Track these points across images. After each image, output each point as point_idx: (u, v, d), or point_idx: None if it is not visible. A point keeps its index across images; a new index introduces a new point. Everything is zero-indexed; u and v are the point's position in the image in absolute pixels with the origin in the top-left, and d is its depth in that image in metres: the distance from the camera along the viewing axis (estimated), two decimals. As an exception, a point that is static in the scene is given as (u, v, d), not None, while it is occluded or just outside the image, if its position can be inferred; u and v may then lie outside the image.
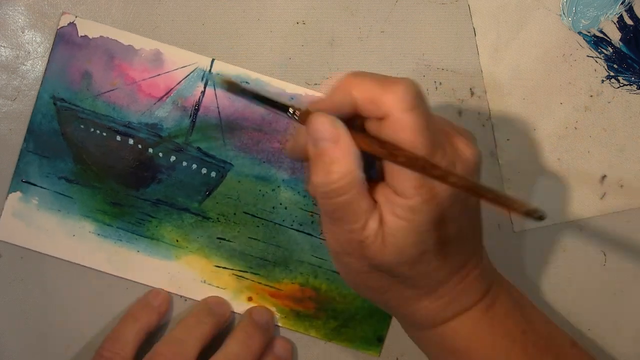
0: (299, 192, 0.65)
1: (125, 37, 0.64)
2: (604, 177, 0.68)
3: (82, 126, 0.64)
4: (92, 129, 0.64)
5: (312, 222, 0.66)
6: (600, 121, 0.68)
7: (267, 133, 0.65)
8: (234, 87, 0.57)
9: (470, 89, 0.67)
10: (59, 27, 0.64)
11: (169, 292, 0.66)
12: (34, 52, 0.65)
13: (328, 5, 0.67)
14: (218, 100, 0.65)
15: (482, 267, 0.57)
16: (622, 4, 0.67)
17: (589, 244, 0.69)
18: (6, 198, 0.64)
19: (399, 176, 0.50)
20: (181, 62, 0.64)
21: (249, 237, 0.66)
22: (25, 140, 0.64)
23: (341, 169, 0.50)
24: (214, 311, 0.65)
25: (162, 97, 0.64)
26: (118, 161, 0.64)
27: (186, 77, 0.64)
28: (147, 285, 0.66)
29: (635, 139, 0.68)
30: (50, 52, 0.64)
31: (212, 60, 0.64)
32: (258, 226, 0.65)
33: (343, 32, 0.67)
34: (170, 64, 0.64)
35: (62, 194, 0.64)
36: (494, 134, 0.67)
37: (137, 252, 0.65)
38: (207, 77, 0.65)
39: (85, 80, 0.64)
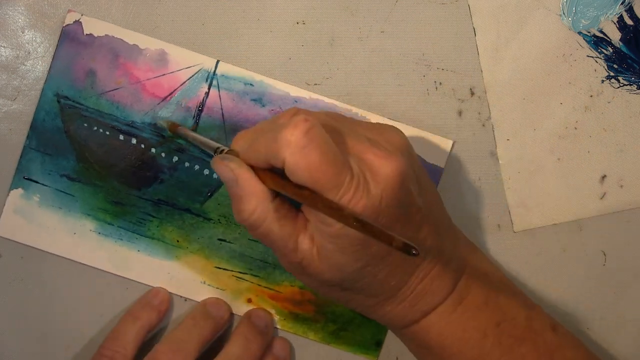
0: (300, 195, 0.73)
1: (130, 37, 0.70)
2: (604, 177, 0.73)
3: (85, 124, 0.70)
4: (95, 128, 0.70)
5: (313, 224, 0.73)
6: (600, 121, 0.72)
7: None
8: (174, 130, 0.68)
9: (470, 89, 0.72)
10: (64, 25, 0.69)
11: (168, 292, 0.72)
12: (34, 52, 0.70)
13: (328, 5, 0.71)
14: (222, 102, 0.70)
15: (442, 263, 0.63)
16: (622, 4, 0.72)
17: (589, 244, 0.74)
18: (8, 195, 0.70)
19: (314, 211, 0.57)
20: (186, 62, 0.70)
21: (249, 239, 0.71)
22: (28, 137, 0.70)
23: (248, 207, 0.59)
24: (213, 313, 0.70)
25: (166, 97, 0.70)
26: (120, 160, 0.70)
27: (190, 77, 0.70)
28: (147, 285, 0.71)
29: (635, 139, 0.73)
30: (55, 50, 0.69)
31: (217, 62, 0.70)
32: (259, 228, 0.73)
33: (343, 32, 0.71)
34: (174, 64, 0.70)
35: (63, 192, 0.70)
36: (494, 134, 0.72)
37: (137, 252, 0.71)
38: (211, 78, 0.70)
39: (90, 79, 0.70)
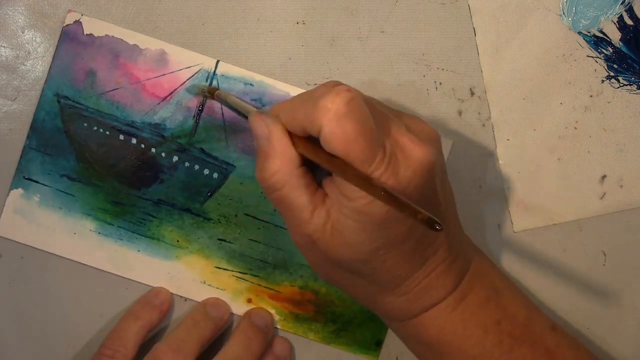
0: (300, 195, 0.73)
1: (130, 37, 0.70)
2: (604, 177, 0.73)
3: (85, 124, 0.70)
4: (95, 128, 0.70)
5: (313, 225, 0.74)
6: (600, 121, 0.73)
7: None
8: (213, 94, 0.68)
9: (470, 89, 0.72)
10: (64, 25, 0.70)
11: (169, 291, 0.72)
12: (34, 52, 0.71)
13: (328, 5, 0.71)
14: (222, 102, 0.71)
15: (450, 261, 0.63)
16: (622, 4, 0.72)
17: (589, 244, 0.74)
18: (8, 194, 0.70)
19: (343, 182, 0.57)
20: (186, 62, 0.70)
21: (249, 239, 0.72)
22: (28, 137, 0.70)
23: (272, 167, 0.59)
24: (213, 313, 0.71)
25: (166, 97, 0.70)
26: (120, 160, 0.71)
27: (191, 77, 0.70)
28: (147, 285, 0.72)
29: (635, 139, 0.73)
30: (55, 50, 0.70)
31: (217, 62, 0.70)
32: (259, 228, 0.72)
33: (343, 32, 0.72)
34: (175, 64, 0.70)
35: (63, 192, 0.71)
36: (494, 134, 0.73)
37: (137, 252, 0.71)
38: (211, 79, 0.71)
39: (90, 79, 0.70)
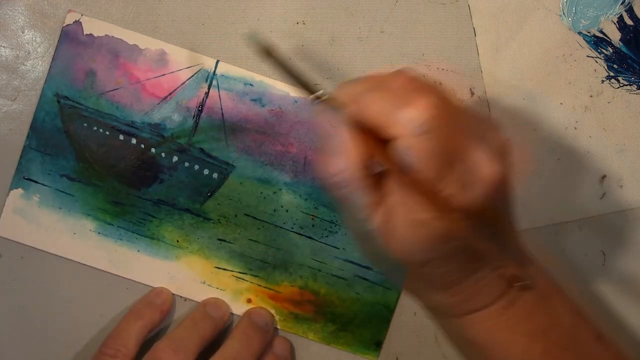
0: (300, 195, 0.72)
1: (130, 37, 0.71)
2: (604, 177, 0.73)
3: (85, 124, 0.71)
4: (95, 128, 0.71)
5: (313, 226, 0.72)
6: (600, 121, 0.73)
7: (269, 135, 0.72)
8: (270, 55, 0.62)
9: (470, 89, 0.72)
10: (64, 25, 0.70)
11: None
12: (34, 52, 0.71)
13: (328, 5, 0.72)
14: (222, 102, 0.71)
15: (502, 269, 0.61)
16: (622, 4, 0.72)
17: (589, 244, 0.74)
18: (7, 195, 0.71)
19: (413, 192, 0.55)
20: (186, 62, 0.71)
21: (249, 239, 0.72)
22: (28, 137, 0.70)
23: (338, 165, 0.56)
24: (212, 313, 0.71)
25: (165, 97, 0.71)
26: (120, 160, 0.71)
27: (190, 77, 0.71)
28: (147, 285, 0.72)
29: (635, 139, 0.73)
30: (55, 50, 0.70)
31: (217, 62, 0.71)
32: (259, 228, 0.72)
33: (343, 32, 0.72)
34: (174, 64, 0.71)
35: (63, 192, 0.71)
36: None
37: (137, 252, 0.72)
38: (211, 79, 0.71)
39: (90, 79, 0.71)
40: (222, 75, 0.72)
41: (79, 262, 0.72)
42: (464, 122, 0.57)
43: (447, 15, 0.73)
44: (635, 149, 0.74)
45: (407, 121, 0.53)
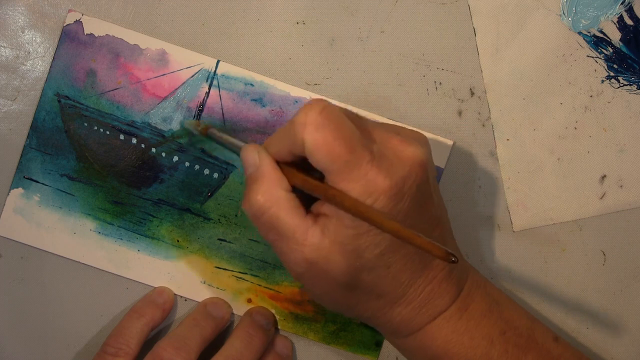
0: (300, 195, 0.74)
1: (131, 37, 0.71)
2: (604, 177, 0.74)
3: (85, 124, 0.71)
4: (96, 127, 0.71)
5: (313, 225, 0.75)
6: (600, 121, 0.73)
7: (270, 135, 0.69)
8: (206, 132, 0.69)
9: (470, 89, 0.73)
10: (65, 25, 0.71)
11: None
12: (34, 52, 0.72)
13: (328, 5, 0.72)
14: (222, 102, 0.72)
15: (450, 267, 0.63)
16: (622, 4, 0.73)
17: (589, 244, 0.74)
18: (8, 194, 0.71)
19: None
20: (186, 62, 0.71)
21: (249, 239, 0.73)
22: (28, 137, 0.71)
23: (261, 188, 0.60)
24: (213, 313, 0.72)
25: (166, 97, 0.72)
26: (121, 160, 0.72)
27: (191, 77, 0.72)
28: (147, 285, 0.73)
29: (635, 139, 0.73)
30: (56, 50, 0.71)
31: (218, 62, 0.71)
32: (259, 228, 0.74)
33: (343, 32, 0.73)
34: (175, 64, 0.71)
35: (63, 192, 0.72)
36: (494, 134, 0.73)
37: (137, 252, 0.72)
38: (212, 78, 0.72)
39: (90, 79, 0.71)
40: (223, 75, 0.72)
41: (79, 262, 0.73)
42: (370, 121, 0.63)
43: (447, 15, 0.73)
44: (635, 149, 0.74)
45: (301, 125, 0.57)
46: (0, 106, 0.72)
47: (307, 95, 0.73)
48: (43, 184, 0.72)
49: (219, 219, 0.73)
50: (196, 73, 0.72)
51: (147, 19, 0.72)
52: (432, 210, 0.62)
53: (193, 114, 0.72)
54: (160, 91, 0.72)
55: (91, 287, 0.74)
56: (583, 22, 0.73)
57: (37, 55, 0.72)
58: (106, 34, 0.72)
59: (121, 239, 0.73)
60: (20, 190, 0.72)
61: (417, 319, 0.64)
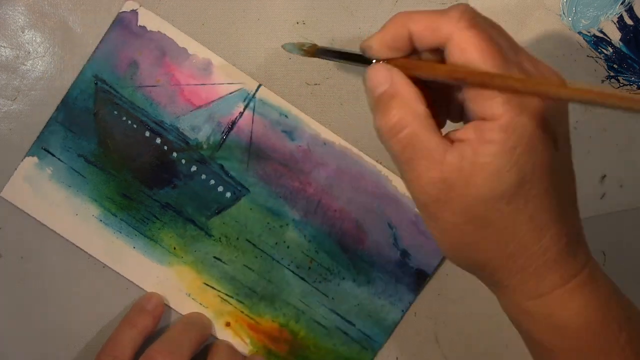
0: (305, 236, 0.73)
1: (182, 39, 0.72)
2: (604, 177, 0.74)
3: (115, 112, 0.72)
4: (124, 118, 0.72)
5: (309, 269, 0.74)
6: (600, 121, 0.74)
7: (291, 170, 0.73)
8: (315, 52, 0.63)
9: None
10: (120, 11, 0.71)
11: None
12: (34, 52, 0.72)
13: (328, 5, 0.73)
14: (254, 125, 0.72)
15: (578, 230, 0.58)
16: (622, 4, 0.73)
17: (589, 244, 0.69)
18: (22, 160, 0.72)
19: (483, 100, 0.52)
20: (229, 78, 0.72)
21: (244, 265, 0.73)
22: (57, 109, 0.71)
23: (398, 104, 0.54)
24: (199, 323, 0.73)
25: (200, 107, 0.72)
26: (140, 156, 0.72)
27: (230, 94, 0.72)
28: (134, 283, 0.73)
29: (635, 139, 0.74)
30: (105, 33, 0.71)
31: (259, 85, 0.72)
32: (256, 257, 0.73)
33: (343, 32, 0.73)
34: (218, 77, 0.72)
35: (77, 172, 0.72)
36: None
37: (132, 248, 0.73)
38: (249, 100, 0.72)
39: (132, 70, 0.72)
40: (261, 100, 0.73)
41: (77, 246, 0.73)
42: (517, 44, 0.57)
43: None
44: (635, 149, 0.75)
45: (453, 19, 0.52)
46: (0, 106, 0.72)
47: (337, 140, 0.73)
48: (59, 159, 0.72)
49: (219, 238, 0.74)
50: (236, 91, 0.73)
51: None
52: (569, 151, 0.57)
53: (222, 129, 0.73)
54: (196, 99, 0.73)
55: (91, 287, 0.74)
56: (583, 22, 0.74)
57: (37, 55, 0.72)
58: (158, 31, 0.72)
59: (120, 232, 0.73)
60: (35, 159, 0.72)
61: (550, 276, 0.56)
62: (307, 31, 0.73)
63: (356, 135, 0.74)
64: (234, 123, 0.73)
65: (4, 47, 0.72)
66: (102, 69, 0.72)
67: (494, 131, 0.52)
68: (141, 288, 0.74)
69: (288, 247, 0.74)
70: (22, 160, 0.72)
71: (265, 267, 0.74)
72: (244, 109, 0.73)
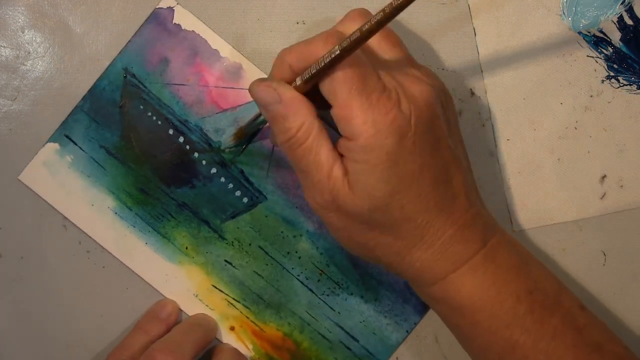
0: (317, 248, 0.73)
1: (215, 41, 0.72)
2: (604, 177, 0.74)
3: (141, 107, 0.72)
4: (150, 114, 0.72)
5: (319, 281, 0.74)
6: (600, 121, 0.74)
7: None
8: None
9: (470, 89, 0.73)
10: (157, 7, 0.72)
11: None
12: (34, 52, 0.72)
13: (328, 5, 0.73)
14: (277, 135, 0.74)
15: (472, 213, 0.63)
16: (622, 4, 0.73)
17: (589, 244, 0.74)
18: (43, 146, 0.72)
19: (345, 120, 0.59)
20: (259, 84, 0.73)
21: (254, 271, 0.73)
22: (83, 99, 0.72)
23: (295, 120, 0.60)
24: (204, 324, 0.73)
25: (226, 110, 0.72)
26: (162, 153, 0.72)
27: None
28: (143, 279, 0.73)
29: (635, 139, 0.74)
30: (140, 27, 0.72)
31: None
32: (267, 264, 0.73)
33: None
34: (247, 81, 0.72)
35: (97, 162, 0.72)
36: (494, 133, 0.74)
37: (145, 244, 0.73)
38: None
39: (162, 66, 0.72)
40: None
41: (86, 234, 0.73)
42: (385, 56, 0.64)
43: (447, 15, 0.74)
44: (635, 149, 0.75)
45: (318, 43, 0.60)
46: (0, 106, 0.73)
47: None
48: (80, 147, 0.73)
49: (232, 242, 0.74)
50: (262, 97, 0.73)
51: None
52: (447, 152, 0.62)
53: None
54: (223, 102, 0.73)
55: (91, 287, 0.74)
56: (583, 22, 0.74)
57: (37, 55, 0.73)
58: (192, 30, 0.73)
59: (134, 227, 0.73)
60: (56, 145, 0.72)
61: (439, 266, 0.63)
62: (307, 31, 0.73)
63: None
64: (258, 129, 0.73)
65: (4, 47, 0.72)
66: (133, 62, 0.72)
67: (356, 151, 0.59)
68: (147, 282, 0.74)
69: (300, 257, 0.74)
70: (44, 145, 0.72)
71: (275, 275, 0.74)
72: (270, 117, 0.73)
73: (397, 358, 0.75)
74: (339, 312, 0.74)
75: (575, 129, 0.74)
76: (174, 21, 0.72)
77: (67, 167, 0.73)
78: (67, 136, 0.72)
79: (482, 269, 0.63)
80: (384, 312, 0.75)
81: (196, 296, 0.74)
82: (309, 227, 0.74)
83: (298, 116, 0.61)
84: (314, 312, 0.74)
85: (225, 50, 0.73)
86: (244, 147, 0.73)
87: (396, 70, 0.61)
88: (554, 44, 0.74)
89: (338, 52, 0.57)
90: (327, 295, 0.74)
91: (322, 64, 0.58)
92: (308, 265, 0.74)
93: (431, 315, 0.75)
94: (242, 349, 0.75)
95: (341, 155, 0.61)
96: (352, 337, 0.75)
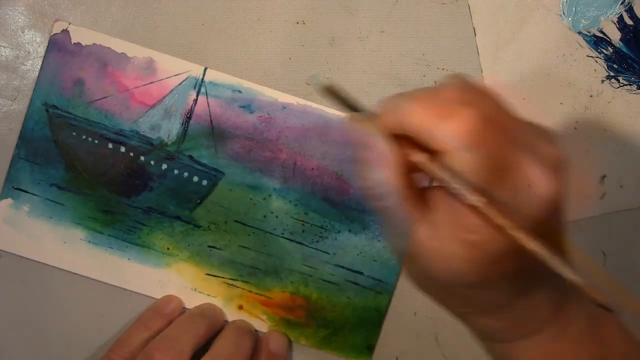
0: (290, 201, 0.73)
1: (118, 45, 0.72)
2: (604, 177, 0.74)
3: (74, 133, 0.72)
4: (84, 137, 0.72)
5: (303, 231, 0.74)
6: (600, 121, 0.74)
7: (258, 142, 0.73)
8: (331, 93, 0.59)
9: None
10: (52, 34, 0.71)
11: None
12: (34, 52, 0.72)
13: (328, 5, 0.73)
14: (210, 109, 0.72)
15: (553, 289, 0.57)
16: (622, 4, 0.73)
17: (589, 244, 0.74)
18: (-4, 205, 0.72)
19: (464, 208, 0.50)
20: (174, 70, 0.72)
21: (239, 246, 0.74)
22: (17, 147, 0.72)
23: (377, 176, 0.53)
24: (208, 313, 0.73)
25: (154, 105, 0.72)
26: (110, 169, 0.72)
27: (179, 85, 0.72)
28: (140, 294, 0.74)
29: (635, 139, 0.74)
30: (43, 59, 0.71)
31: (205, 69, 0.72)
32: (249, 235, 0.74)
33: (343, 32, 0.73)
34: (163, 72, 0.72)
35: (53, 201, 0.73)
36: None
37: (128, 260, 0.73)
38: (199, 86, 0.72)
39: (78, 88, 0.72)
40: (211, 82, 0.73)
41: (70, 272, 0.74)
42: (516, 134, 0.52)
43: (447, 15, 0.74)
44: (635, 149, 0.75)
45: (447, 136, 0.49)
46: (0, 106, 0.73)
47: (295, 100, 0.73)
48: (32, 194, 0.73)
49: (208, 226, 0.74)
50: (184, 81, 0.73)
51: (147, 19, 0.73)
52: (557, 237, 0.56)
53: (181, 121, 0.73)
54: (148, 99, 0.73)
55: (91, 287, 0.75)
56: (583, 22, 0.74)
57: (37, 55, 0.73)
58: (93, 43, 0.72)
59: (111, 248, 0.74)
60: (9, 200, 0.73)
61: (507, 333, 0.58)
62: (307, 31, 0.73)
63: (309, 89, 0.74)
64: (191, 112, 0.73)
65: (4, 47, 0.73)
66: (50, 95, 0.72)
67: (461, 239, 0.51)
68: (145, 295, 0.75)
69: (277, 216, 0.74)
70: (-3, 204, 0.73)
71: (261, 242, 0.75)
72: (197, 96, 0.73)
73: (396, 358, 0.76)
74: (334, 254, 0.75)
75: (575, 129, 0.74)
76: (72, 41, 0.72)
77: (27, 216, 0.73)
78: (15, 188, 0.73)
79: (551, 340, 0.58)
80: (376, 237, 0.75)
81: (195, 290, 0.75)
82: (274, 185, 0.74)
83: (384, 171, 0.52)
84: (310, 262, 0.75)
85: (131, 50, 0.72)
86: (184, 135, 0.73)
87: (523, 156, 0.52)
88: (553, 44, 0.73)
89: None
90: (317, 241, 0.75)
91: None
92: (287, 220, 0.74)
93: (431, 315, 0.76)
94: (257, 323, 0.76)
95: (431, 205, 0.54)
96: (356, 271, 0.75)
